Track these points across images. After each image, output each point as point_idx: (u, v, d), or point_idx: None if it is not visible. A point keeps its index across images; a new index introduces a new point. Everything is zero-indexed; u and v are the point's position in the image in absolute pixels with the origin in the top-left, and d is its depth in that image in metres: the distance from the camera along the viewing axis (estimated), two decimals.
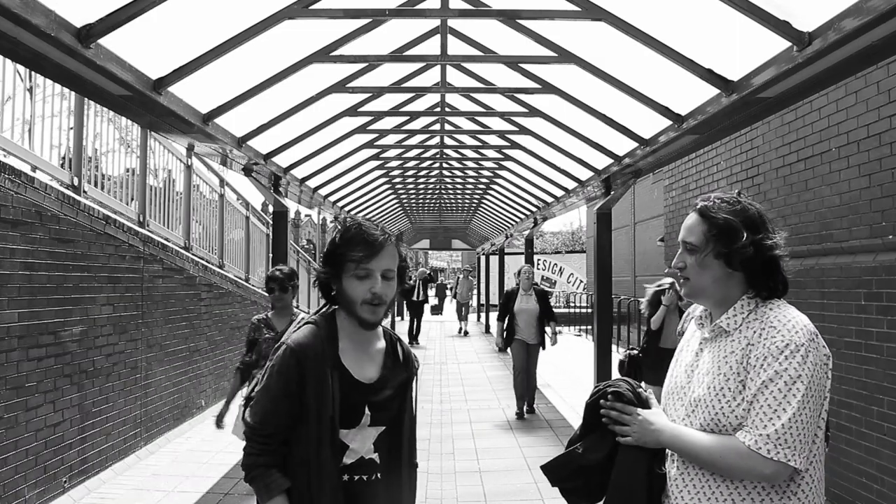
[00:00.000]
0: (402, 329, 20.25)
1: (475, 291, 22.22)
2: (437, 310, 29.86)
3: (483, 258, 22.60)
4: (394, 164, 8.71)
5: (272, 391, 1.79)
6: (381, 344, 1.96)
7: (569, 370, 11.75)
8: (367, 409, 1.83)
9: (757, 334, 1.58)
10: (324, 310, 1.93)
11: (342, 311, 1.89)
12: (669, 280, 5.73)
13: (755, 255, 1.62)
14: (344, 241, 1.82)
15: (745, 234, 1.62)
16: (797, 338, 1.54)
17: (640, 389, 1.80)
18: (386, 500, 1.89)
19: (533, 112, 5.63)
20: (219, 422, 4.35)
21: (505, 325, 7.82)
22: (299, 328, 1.88)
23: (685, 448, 1.63)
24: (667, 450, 1.72)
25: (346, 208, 9.78)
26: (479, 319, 23.50)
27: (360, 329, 1.87)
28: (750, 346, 1.58)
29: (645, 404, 1.76)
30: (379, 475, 1.86)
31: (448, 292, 25.07)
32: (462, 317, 18.59)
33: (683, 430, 1.65)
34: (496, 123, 6.59)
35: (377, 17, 3.98)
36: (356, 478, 1.83)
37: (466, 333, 17.84)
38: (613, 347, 11.55)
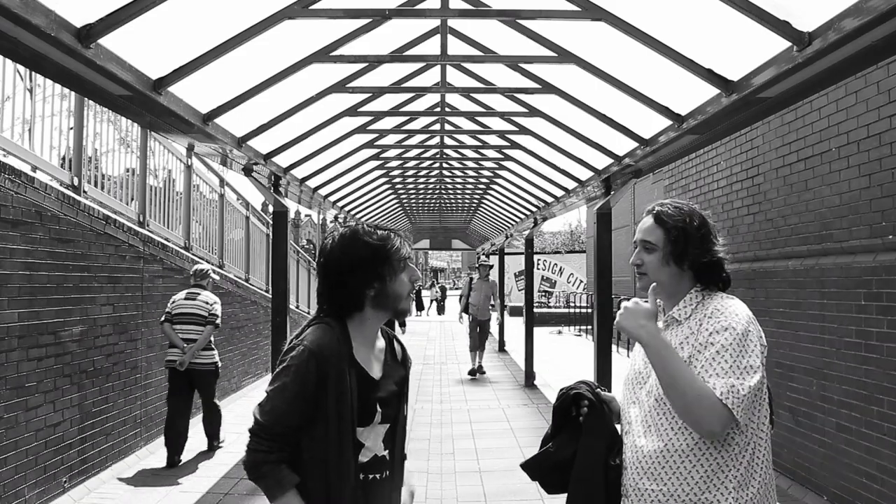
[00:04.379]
0: (409, 328, 20.28)
1: (498, 300, 13.60)
2: (440, 310, 29.82)
3: (483, 258, 22.61)
4: (394, 164, 8.71)
5: (288, 392, 1.77)
6: (382, 342, 2.00)
7: (569, 370, 11.75)
8: (378, 406, 1.86)
9: (705, 317, 1.81)
10: (322, 315, 1.91)
11: (365, 312, 1.89)
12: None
13: (704, 256, 1.87)
14: (385, 243, 1.88)
15: (696, 239, 1.87)
16: (739, 319, 1.76)
17: (599, 390, 2.03)
18: (391, 497, 1.92)
19: (533, 112, 5.63)
20: None
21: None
22: (311, 329, 1.86)
23: (663, 351, 1.76)
24: (623, 434, 1.93)
25: (347, 208, 9.78)
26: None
27: (374, 328, 1.94)
28: (697, 327, 1.81)
29: (607, 404, 2.00)
30: (388, 472, 1.90)
31: (451, 300, 23.46)
32: (477, 344, 11.24)
33: (671, 348, 1.78)
34: (496, 123, 6.59)
35: (377, 17, 3.97)
36: (370, 477, 1.85)
37: (482, 372, 11.15)
38: (613, 347, 11.55)
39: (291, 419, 1.77)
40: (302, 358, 1.77)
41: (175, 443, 5.98)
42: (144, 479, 5.58)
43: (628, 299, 1.96)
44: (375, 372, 1.91)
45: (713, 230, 1.92)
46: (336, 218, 9.76)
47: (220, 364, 6.38)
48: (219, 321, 6.18)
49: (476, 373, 11.08)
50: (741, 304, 1.83)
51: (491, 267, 12.34)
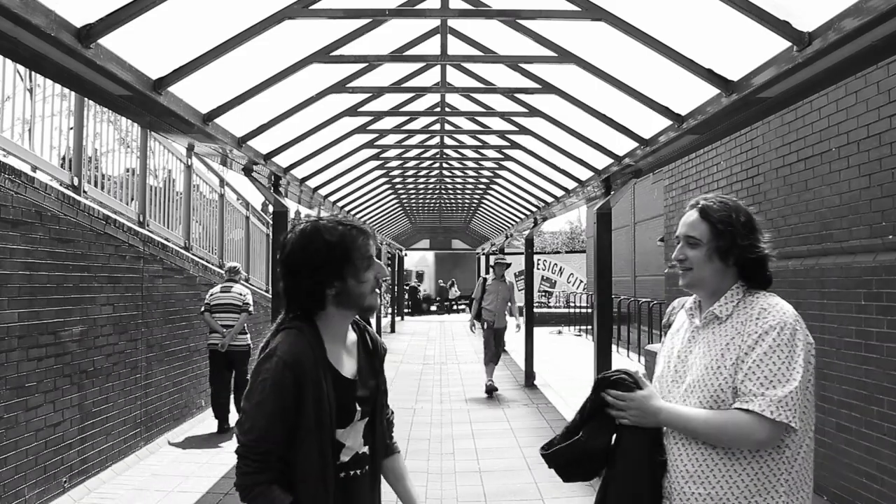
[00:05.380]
0: (409, 328, 20.29)
1: (517, 302, 10.29)
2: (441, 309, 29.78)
3: (483, 258, 22.60)
4: (394, 164, 8.71)
5: (267, 407, 1.71)
6: (353, 336, 1.95)
7: (569, 370, 11.75)
8: (357, 405, 1.83)
9: (749, 317, 1.76)
10: (291, 315, 1.85)
11: (328, 311, 1.83)
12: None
13: (750, 252, 1.82)
14: (345, 241, 1.80)
15: (742, 235, 1.82)
16: (787, 318, 1.73)
17: (640, 377, 1.92)
18: (371, 490, 1.90)
19: (533, 112, 5.63)
20: None
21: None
22: (281, 336, 1.79)
23: (685, 423, 1.77)
24: (664, 436, 1.86)
25: (346, 208, 9.78)
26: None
27: (339, 325, 1.86)
28: (743, 328, 1.75)
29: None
30: (368, 467, 1.88)
31: (452, 300, 22.86)
32: (492, 357, 9.51)
33: (681, 407, 1.80)
34: (496, 123, 6.59)
35: (377, 17, 3.97)
36: (352, 473, 1.83)
37: (495, 390, 9.36)
38: (613, 347, 11.55)
39: (275, 434, 1.72)
40: (277, 370, 1.71)
41: (221, 413, 7.10)
42: (144, 479, 5.57)
43: (615, 380, 1.89)
44: (350, 370, 1.86)
45: (759, 225, 1.86)
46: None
47: (252, 346, 7.22)
48: (251, 309, 7.26)
49: (493, 391, 9.35)
50: (785, 302, 1.79)
51: (508, 265, 9.98)
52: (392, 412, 2.10)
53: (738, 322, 1.78)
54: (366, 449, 1.88)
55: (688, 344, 1.90)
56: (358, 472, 1.85)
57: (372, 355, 1.97)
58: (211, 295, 7.19)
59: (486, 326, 9.64)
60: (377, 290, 1.89)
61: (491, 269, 10.39)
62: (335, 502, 1.76)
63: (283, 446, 1.73)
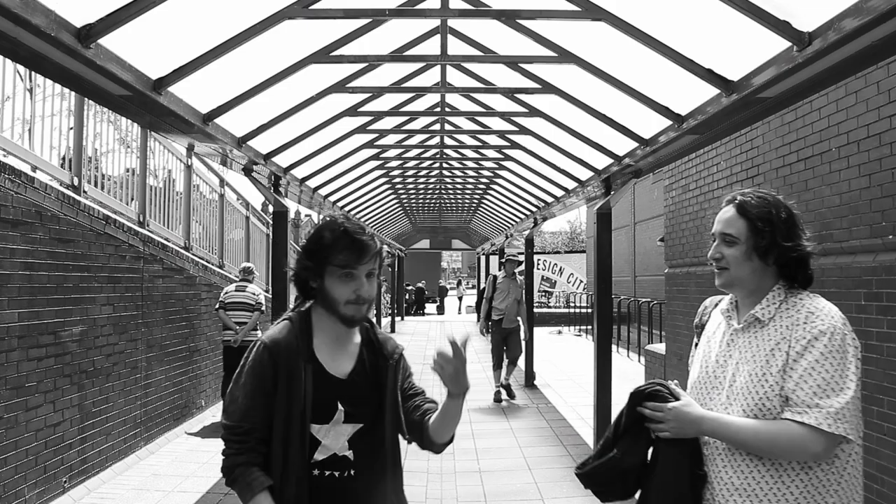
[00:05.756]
0: (409, 328, 20.29)
1: (525, 307, 9.40)
2: (440, 309, 29.82)
3: (483, 258, 22.60)
4: (394, 164, 8.71)
5: (247, 387, 1.78)
6: (358, 338, 1.92)
7: (569, 370, 11.76)
8: (339, 404, 1.80)
9: (795, 321, 1.67)
10: (298, 305, 1.91)
11: (319, 307, 1.86)
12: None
13: (792, 251, 1.72)
14: (331, 243, 1.79)
15: (783, 232, 1.72)
16: (836, 322, 1.64)
17: (676, 388, 1.84)
18: (362, 497, 1.83)
19: (533, 112, 5.63)
20: None
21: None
22: (274, 324, 1.89)
23: (732, 434, 1.67)
24: (703, 446, 1.77)
25: (346, 208, 9.78)
26: (479, 319, 23.45)
27: (338, 324, 1.85)
28: (790, 332, 1.66)
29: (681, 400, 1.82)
30: (353, 472, 1.81)
31: (449, 300, 22.78)
32: (501, 360, 8.86)
33: (725, 416, 1.69)
34: (496, 123, 6.59)
35: (377, 18, 3.97)
36: (327, 473, 1.79)
37: (511, 395, 8.88)
38: (613, 347, 11.55)
39: (254, 414, 1.76)
40: (258, 352, 1.80)
41: None
42: (144, 479, 5.57)
43: (652, 393, 1.80)
44: (341, 369, 1.84)
45: (800, 222, 1.76)
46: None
47: None
48: (264, 308, 7.55)
49: (503, 396, 8.72)
50: (832, 305, 1.71)
51: (520, 263, 9.30)
52: (428, 404, 2.00)
53: (782, 326, 1.69)
54: (348, 453, 1.81)
55: (726, 348, 1.80)
56: (335, 473, 1.79)
57: (378, 360, 1.91)
58: (226, 293, 7.53)
59: (493, 329, 8.95)
60: (358, 305, 1.80)
61: (501, 267, 9.77)
62: (302, 498, 1.74)
63: (265, 427, 1.76)
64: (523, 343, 9.23)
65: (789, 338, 1.65)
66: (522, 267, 9.82)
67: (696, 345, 1.98)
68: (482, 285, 23.31)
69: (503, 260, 9.48)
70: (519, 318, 9.10)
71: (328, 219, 1.88)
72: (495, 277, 9.23)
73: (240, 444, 1.75)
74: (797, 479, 1.62)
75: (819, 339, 1.61)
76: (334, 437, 1.80)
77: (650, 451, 1.84)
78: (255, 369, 1.78)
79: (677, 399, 1.79)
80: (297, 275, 1.85)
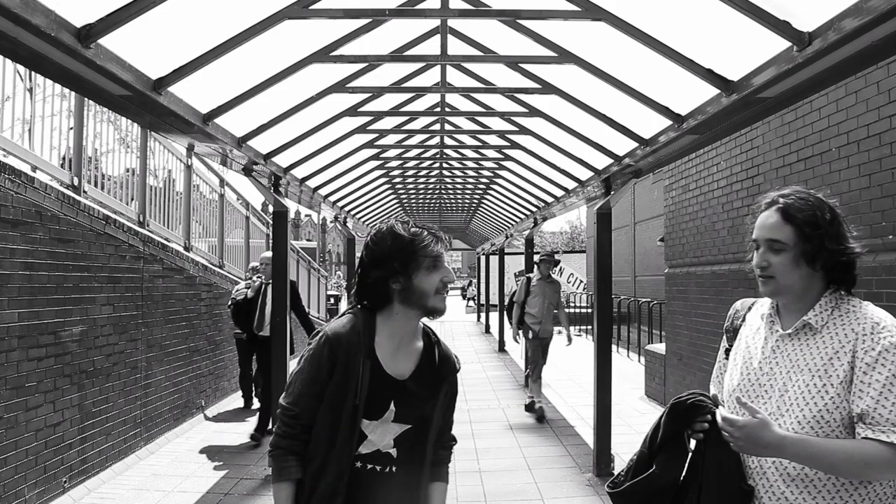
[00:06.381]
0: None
1: (564, 307, 8.48)
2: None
3: (483, 258, 22.59)
4: (394, 164, 8.71)
5: (305, 374, 1.86)
6: (420, 343, 1.98)
7: (569, 370, 11.76)
8: (392, 404, 1.86)
9: (861, 331, 1.58)
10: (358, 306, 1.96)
11: (394, 307, 1.91)
12: None
13: (841, 255, 1.64)
14: (417, 239, 1.88)
15: (831, 236, 1.63)
16: None
17: (717, 397, 1.78)
18: (403, 496, 1.90)
19: (533, 112, 5.63)
20: None
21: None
22: (337, 317, 1.94)
23: (820, 458, 1.55)
24: (749, 461, 1.69)
25: (346, 208, 9.78)
26: (479, 319, 23.48)
27: (402, 325, 1.91)
28: (851, 342, 1.58)
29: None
30: (394, 468, 1.88)
31: (451, 299, 22.59)
32: (541, 372, 8.05)
33: (808, 439, 1.57)
34: (496, 123, 6.59)
35: (377, 17, 3.97)
36: (368, 466, 1.86)
37: (542, 414, 7.67)
38: (613, 347, 11.55)
39: (308, 401, 1.84)
40: (319, 343, 1.86)
41: (247, 392, 8.38)
42: (144, 479, 5.57)
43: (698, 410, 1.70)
44: (399, 370, 1.90)
45: (844, 221, 1.68)
46: (336, 218, 9.75)
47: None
48: None
49: (535, 410, 7.75)
50: (884, 311, 1.64)
51: (557, 263, 8.43)
52: (454, 440, 2.09)
53: (840, 334, 1.60)
54: (392, 450, 1.88)
55: (771, 354, 1.71)
56: (377, 467, 1.86)
57: (436, 369, 1.97)
58: (237, 290, 7.62)
59: (531, 336, 7.88)
60: (443, 295, 1.92)
61: (535, 267, 8.55)
62: (341, 489, 1.81)
63: (312, 418, 1.84)
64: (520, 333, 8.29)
65: (853, 348, 1.57)
66: (514, 267, 9.21)
67: (727, 349, 1.91)
68: (482, 285, 23.34)
69: (537, 260, 8.40)
70: (557, 326, 8.18)
71: (383, 227, 1.92)
72: (529, 279, 8.21)
73: (287, 426, 1.86)
74: (855, 493, 1.56)
75: (890, 351, 1.52)
76: (381, 434, 1.87)
77: (686, 466, 1.76)
78: (314, 358, 1.86)
79: (716, 406, 1.71)
80: (376, 283, 1.89)
